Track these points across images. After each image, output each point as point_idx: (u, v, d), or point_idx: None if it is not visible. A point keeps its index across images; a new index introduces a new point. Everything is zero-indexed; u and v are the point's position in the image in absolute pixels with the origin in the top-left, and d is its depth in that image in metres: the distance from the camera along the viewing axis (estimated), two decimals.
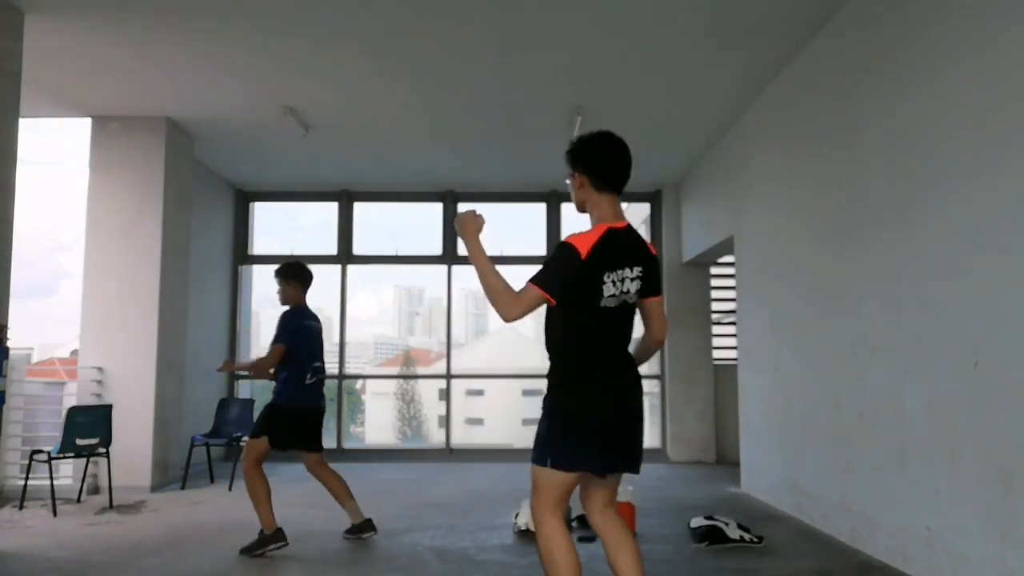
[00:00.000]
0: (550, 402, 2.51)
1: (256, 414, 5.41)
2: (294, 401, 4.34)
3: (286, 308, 4.50)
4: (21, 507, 5.48)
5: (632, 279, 2.46)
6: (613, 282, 2.43)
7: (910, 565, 3.70)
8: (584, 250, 2.39)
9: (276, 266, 4.62)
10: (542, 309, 2.49)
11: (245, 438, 5.46)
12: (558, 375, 2.51)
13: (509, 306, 2.38)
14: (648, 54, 5.24)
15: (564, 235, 2.72)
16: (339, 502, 4.48)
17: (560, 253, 2.42)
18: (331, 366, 9.17)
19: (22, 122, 4.70)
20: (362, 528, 4.46)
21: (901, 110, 3.85)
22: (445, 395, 8.81)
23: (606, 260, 2.42)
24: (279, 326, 4.41)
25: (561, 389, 2.49)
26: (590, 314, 2.44)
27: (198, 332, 7.59)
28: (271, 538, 4.19)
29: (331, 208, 8.91)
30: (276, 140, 7.07)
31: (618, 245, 2.46)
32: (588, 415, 2.44)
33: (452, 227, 8.57)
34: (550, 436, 2.46)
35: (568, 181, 2.62)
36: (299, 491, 5.72)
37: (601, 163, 2.51)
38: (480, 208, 2.67)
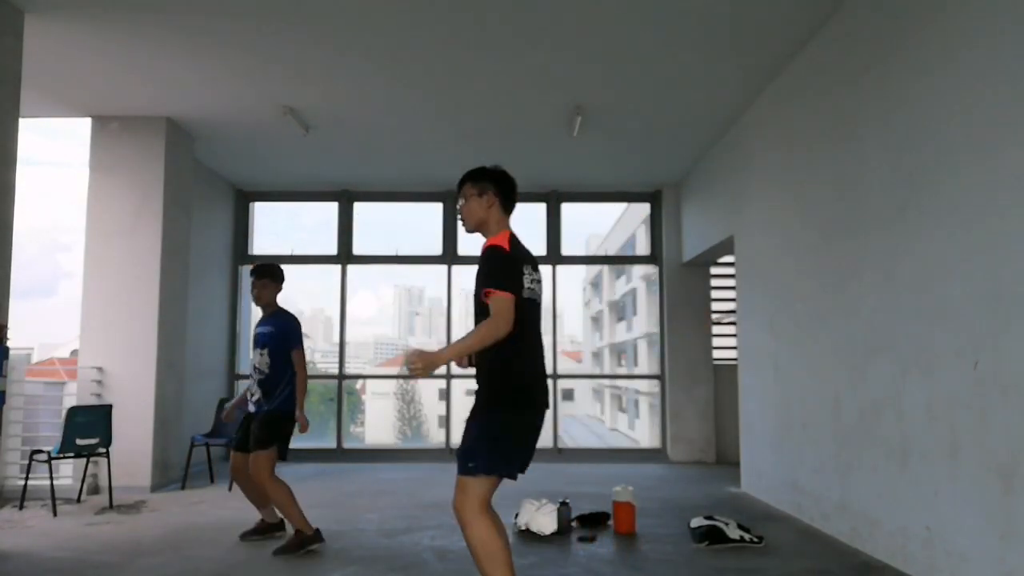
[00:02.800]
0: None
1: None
2: (291, 405, 4.34)
3: (282, 311, 4.49)
4: (21, 507, 5.49)
5: (536, 280, 2.80)
6: (527, 276, 2.73)
7: (910, 565, 3.71)
8: (507, 246, 2.73)
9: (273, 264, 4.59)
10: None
11: None
12: (498, 378, 2.68)
13: (499, 328, 2.60)
14: (648, 54, 5.24)
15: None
16: (258, 504, 4.52)
17: (496, 256, 2.71)
18: (331, 366, 9.21)
19: (22, 122, 4.70)
20: (268, 529, 4.53)
21: (901, 110, 3.85)
22: (445, 395, 8.81)
23: (520, 255, 2.77)
24: (297, 330, 4.41)
25: (504, 396, 2.67)
26: (519, 304, 2.66)
27: (198, 332, 7.59)
28: (312, 538, 4.23)
29: (331, 208, 8.92)
30: (276, 140, 7.07)
31: (522, 247, 2.83)
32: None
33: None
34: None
35: (468, 199, 2.84)
36: (300, 491, 5.71)
37: (511, 192, 2.90)
38: None
